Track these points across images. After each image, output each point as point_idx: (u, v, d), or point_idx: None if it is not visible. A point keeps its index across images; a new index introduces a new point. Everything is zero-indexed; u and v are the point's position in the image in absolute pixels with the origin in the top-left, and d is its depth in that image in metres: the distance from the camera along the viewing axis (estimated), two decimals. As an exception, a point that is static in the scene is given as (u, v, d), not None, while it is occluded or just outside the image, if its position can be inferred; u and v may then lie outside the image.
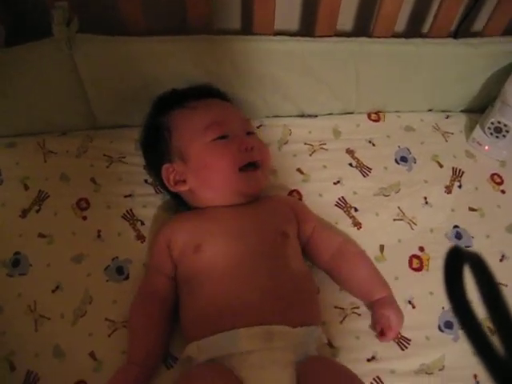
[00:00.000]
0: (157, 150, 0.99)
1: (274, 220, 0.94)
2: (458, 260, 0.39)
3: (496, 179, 1.17)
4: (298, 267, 0.91)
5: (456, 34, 1.14)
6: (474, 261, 0.37)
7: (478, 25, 1.18)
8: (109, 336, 0.91)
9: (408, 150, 1.18)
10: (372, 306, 0.94)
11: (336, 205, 1.09)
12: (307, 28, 1.12)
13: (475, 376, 0.91)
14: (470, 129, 1.23)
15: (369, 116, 1.23)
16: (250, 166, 0.95)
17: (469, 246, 1.06)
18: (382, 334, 0.91)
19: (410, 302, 0.98)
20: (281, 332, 0.79)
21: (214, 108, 0.99)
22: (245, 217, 0.93)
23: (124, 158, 1.11)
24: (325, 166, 1.14)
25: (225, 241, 0.89)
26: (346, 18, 1.15)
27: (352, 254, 0.99)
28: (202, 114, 0.97)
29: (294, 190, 1.10)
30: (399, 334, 0.94)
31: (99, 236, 1.01)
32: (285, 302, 0.83)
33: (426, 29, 1.17)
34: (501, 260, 1.05)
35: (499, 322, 0.36)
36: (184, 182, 0.96)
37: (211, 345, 0.79)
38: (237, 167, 0.93)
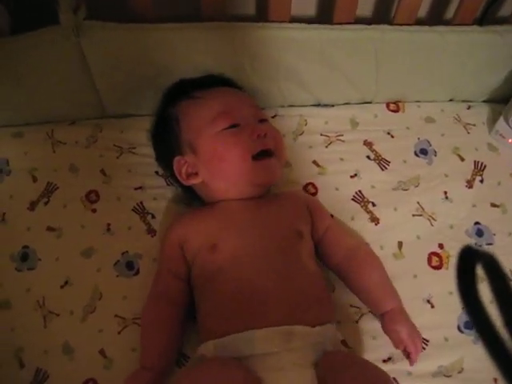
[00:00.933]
0: (167, 142, 0.96)
1: (288, 217, 0.92)
2: (471, 259, 0.38)
3: (520, 174, 1.12)
4: (312, 266, 0.88)
5: (481, 21, 1.09)
6: (487, 260, 0.37)
7: (505, 11, 1.12)
8: (119, 333, 0.89)
9: (428, 142, 1.14)
10: (381, 318, 0.89)
11: (353, 199, 1.06)
12: (325, 13, 1.07)
13: (495, 380, 0.89)
14: (492, 120, 1.18)
15: (387, 106, 1.19)
16: (264, 155, 0.91)
17: (490, 244, 1.03)
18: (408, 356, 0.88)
19: (428, 302, 0.96)
20: (300, 332, 0.77)
21: (222, 96, 0.95)
22: (259, 212, 0.91)
23: (134, 148, 1.08)
24: (341, 159, 1.10)
25: (240, 237, 0.86)
26: (367, 3, 1.10)
27: (364, 258, 0.94)
28: (210, 104, 0.93)
29: (310, 183, 1.07)
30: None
31: (109, 229, 0.98)
32: (302, 300, 0.81)
33: (450, 14, 1.12)
34: (523, 258, 1.02)
35: (509, 316, 0.35)
36: (196, 174, 0.93)
37: (227, 345, 0.77)
38: (249, 156, 0.90)
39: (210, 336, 0.80)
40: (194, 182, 0.93)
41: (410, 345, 0.86)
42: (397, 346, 0.87)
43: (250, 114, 0.94)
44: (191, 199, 1.00)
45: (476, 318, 0.38)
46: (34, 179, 1.03)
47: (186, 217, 0.95)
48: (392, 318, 0.88)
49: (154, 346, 0.85)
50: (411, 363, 0.87)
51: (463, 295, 0.39)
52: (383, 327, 0.89)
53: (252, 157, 0.90)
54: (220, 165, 0.90)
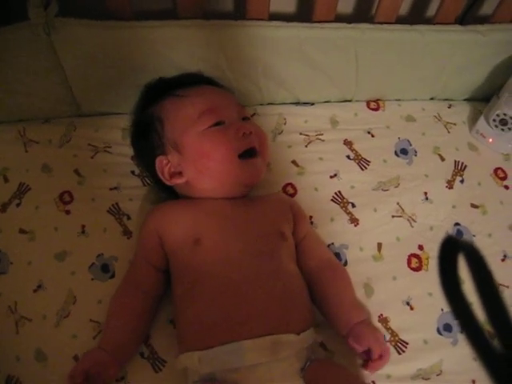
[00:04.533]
0: (148, 142, 0.94)
1: (272, 218, 0.91)
2: (453, 249, 0.38)
3: (500, 174, 1.13)
4: (294, 268, 0.87)
5: (463, 20, 1.08)
6: (469, 250, 0.37)
7: (487, 10, 1.12)
8: (94, 338, 0.87)
9: (408, 141, 1.14)
10: (353, 328, 0.85)
11: (332, 200, 1.05)
12: (305, 10, 1.05)
13: (473, 381, 0.89)
14: (473, 119, 1.18)
15: (368, 104, 1.18)
16: (249, 154, 0.90)
17: (470, 245, 1.02)
18: (365, 365, 0.84)
19: (407, 304, 0.95)
20: (288, 341, 0.76)
21: (206, 94, 0.94)
22: (243, 211, 0.90)
23: (110, 147, 1.06)
24: (321, 159, 1.09)
25: (224, 236, 0.85)
26: (347, 1, 1.08)
27: (339, 271, 0.93)
28: (194, 102, 0.91)
29: (289, 184, 1.05)
30: (397, 337, 0.91)
31: (83, 232, 0.96)
32: (288, 306, 0.80)
33: (431, 13, 1.11)
34: (503, 260, 1.02)
35: (492, 309, 0.35)
36: (180, 174, 0.91)
37: (214, 357, 0.76)
38: (236, 154, 0.89)
39: (191, 345, 0.79)
40: (177, 181, 0.91)
41: (378, 349, 0.82)
42: (364, 348, 0.83)
43: (234, 112, 0.92)
44: (168, 198, 0.98)
45: (459, 313, 0.38)
46: (6, 180, 1.00)
47: (166, 206, 0.93)
48: (367, 326, 0.86)
49: (117, 332, 0.84)
50: (373, 369, 0.84)
51: (446, 289, 0.39)
52: (356, 335, 0.84)
53: (238, 156, 0.89)
54: (206, 163, 0.89)
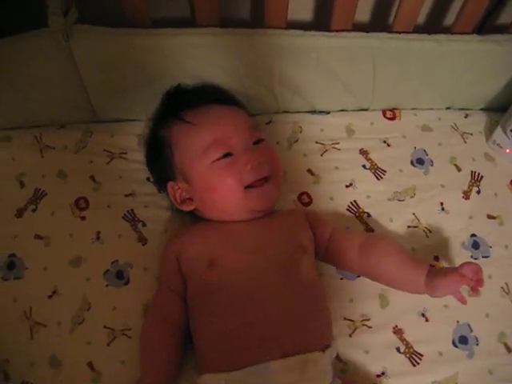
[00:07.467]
0: (161, 165, 0.95)
1: (291, 233, 0.90)
2: None
3: (517, 185, 1.12)
4: (314, 281, 0.87)
5: (481, 29, 1.07)
6: None
7: (505, 20, 1.11)
8: (108, 345, 0.87)
9: (425, 151, 1.13)
10: (426, 289, 0.88)
11: (348, 209, 1.04)
12: (322, 19, 1.05)
13: (488, 395, 0.88)
14: (489, 129, 1.17)
15: (384, 113, 1.18)
16: (258, 181, 0.89)
17: (486, 257, 1.02)
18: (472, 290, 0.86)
19: (423, 315, 0.95)
20: (314, 359, 0.76)
21: (215, 122, 0.91)
22: (260, 230, 0.89)
23: (125, 154, 1.06)
24: (337, 168, 1.09)
25: (241, 256, 0.84)
26: (365, 9, 1.08)
27: (381, 241, 0.94)
28: (202, 131, 0.90)
29: (304, 193, 1.05)
30: (412, 348, 0.91)
31: (98, 238, 0.96)
32: (311, 323, 0.80)
33: (449, 21, 1.10)
34: (519, 272, 1.01)
35: None
36: (191, 200, 0.92)
37: (241, 379, 0.75)
38: (242, 187, 0.88)
39: (214, 367, 0.78)
40: (188, 208, 0.93)
41: (468, 272, 0.83)
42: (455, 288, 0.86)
43: (242, 139, 0.90)
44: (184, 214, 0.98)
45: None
46: (22, 185, 1.00)
47: (183, 231, 0.94)
48: (432, 275, 0.87)
49: (154, 367, 0.82)
50: (478, 285, 0.84)
51: None
52: (435, 289, 0.86)
53: (244, 187, 0.88)
54: (212, 197, 0.90)
